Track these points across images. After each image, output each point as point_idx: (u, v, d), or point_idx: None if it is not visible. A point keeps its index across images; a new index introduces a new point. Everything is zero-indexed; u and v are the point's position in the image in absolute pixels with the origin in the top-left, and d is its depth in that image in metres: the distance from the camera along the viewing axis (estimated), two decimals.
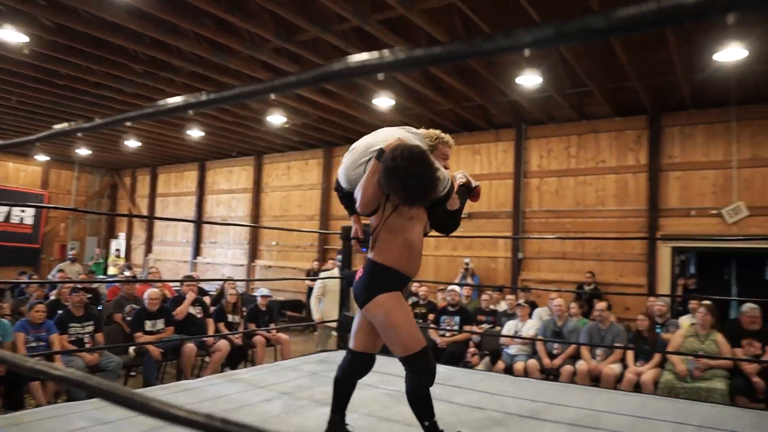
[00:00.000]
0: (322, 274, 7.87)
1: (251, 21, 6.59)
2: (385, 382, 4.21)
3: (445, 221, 3.19)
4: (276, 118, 10.46)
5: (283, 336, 7.25)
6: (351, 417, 3.34)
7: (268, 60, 7.66)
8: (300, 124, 11.17)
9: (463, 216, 10.73)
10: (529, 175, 10.28)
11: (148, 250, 17.07)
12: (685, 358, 5.52)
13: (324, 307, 7.15)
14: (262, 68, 8.07)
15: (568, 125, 9.93)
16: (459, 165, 11.12)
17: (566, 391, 4.26)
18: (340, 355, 5.20)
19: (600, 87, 8.25)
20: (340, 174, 2.94)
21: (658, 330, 6.43)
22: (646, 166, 9.24)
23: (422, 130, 3.02)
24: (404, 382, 2.76)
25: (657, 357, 5.87)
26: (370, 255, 2.82)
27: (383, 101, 9.03)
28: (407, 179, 2.44)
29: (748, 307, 5.75)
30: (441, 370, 4.80)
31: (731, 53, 6.56)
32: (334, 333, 6.35)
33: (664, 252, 9.07)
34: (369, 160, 2.73)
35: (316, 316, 7.19)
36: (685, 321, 6.61)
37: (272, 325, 7.54)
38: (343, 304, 5.50)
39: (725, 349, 5.55)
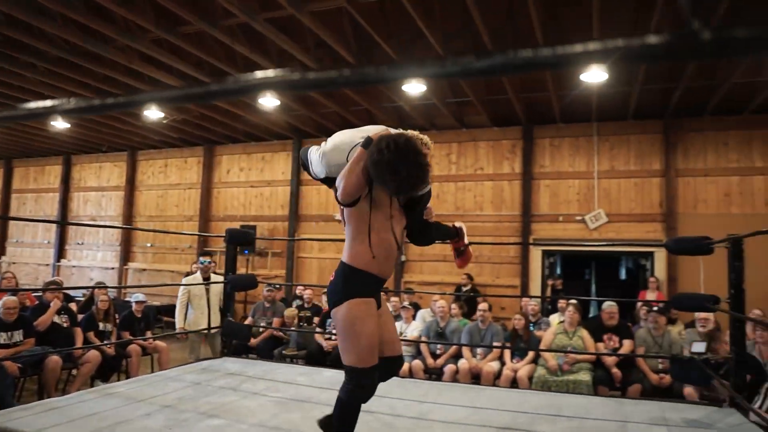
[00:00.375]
0: (184, 280, 7.34)
1: (127, 6, 6.16)
2: (271, 389, 4.12)
3: (419, 230, 3.08)
4: (153, 113, 9.89)
5: (160, 344, 6.85)
6: (239, 428, 3.23)
7: (147, 51, 7.22)
8: (179, 120, 10.64)
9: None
10: None
11: (1, 252, 15.41)
12: (555, 353, 5.95)
13: (191, 313, 6.71)
14: (140, 59, 7.60)
15: (449, 133, 10.34)
16: None
17: (451, 391, 4.42)
18: (225, 363, 5.05)
19: (479, 98, 8.68)
20: (317, 160, 2.76)
21: (531, 328, 6.87)
22: (520, 174, 9.86)
23: (400, 131, 2.91)
24: (339, 390, 2.65)
25: (531, 354, 6.26)
26: (343, 257, 2.66)
27: (269, 101, 8.85)
28: (397, 165, 2.33)
29: (608, 304, 6.31)
30: (329, 374, 4.82)
31: (594, 75, 7.16)
32: (217, 340, 6.10)
33: (536, 255, 9.71)
34: (353, 148, 2.58)
35: (179, 324, 6.66)
36: (554, 319, 7.11)
37: (149, 333, 7.11)
38: (227, 309, 5.29)
39: (590, 344, 6.06)
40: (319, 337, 7.24)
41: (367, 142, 2.50)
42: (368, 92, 8.85)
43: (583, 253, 11.19)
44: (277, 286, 8.58)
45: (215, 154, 12.66)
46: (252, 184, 12.23)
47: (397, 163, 2.34)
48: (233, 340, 5.36)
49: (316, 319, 7.91)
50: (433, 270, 10.23)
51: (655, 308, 6.30)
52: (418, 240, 3.24)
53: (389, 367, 2.79)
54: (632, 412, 3.86)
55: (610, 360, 5.96)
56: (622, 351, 6.04)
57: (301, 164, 3.03)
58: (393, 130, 2.64)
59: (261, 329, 7.64)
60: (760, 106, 8.38)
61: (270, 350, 7.46)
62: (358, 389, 2.60)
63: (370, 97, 9.02)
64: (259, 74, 0.74)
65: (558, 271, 14.11)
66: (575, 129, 9.65)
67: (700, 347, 5.25)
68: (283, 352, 7.42)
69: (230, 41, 6.82)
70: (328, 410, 3.73)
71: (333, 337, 7.19)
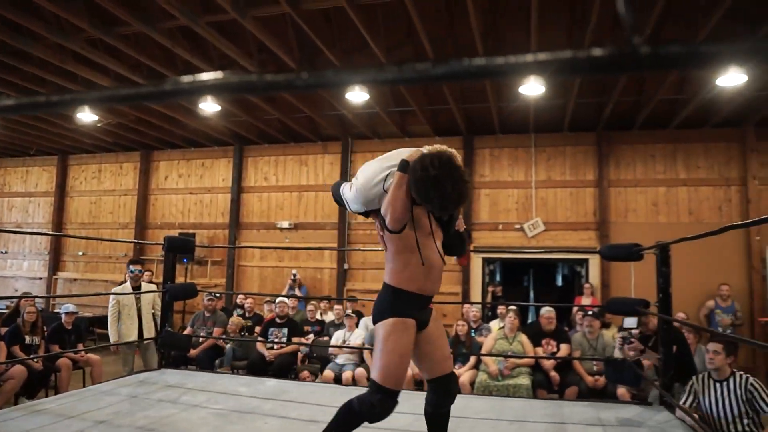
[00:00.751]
0: (114, 289, 6.91)
1: (59, 4, 5.91)
2: (212, 401, 4.03)
3: (453, 242, 2.99)
4: (86, 116, 9.51)
5: (93, 357, 6.56)
6: None
7: (80, 51, 6.94)
8: (114, 123, 10.28)
9: (289, 227, 10.72)
10: None
11: None
12: (496, 358, 6.08)
13: (122, 324, 6.35)
14: (74, 59, 7.30)
15: (392, 141, 10.42)
16: (285, 176, 11.09)
17: None
18: (163, 375, 4.88)
19: (421, 108, 8.81)
20: (353, 198, 2.74)
21: (473, 334, 6.99)
22: None
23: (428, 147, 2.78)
24: (353, 398, 2.65)
25: (473, 359, 6.37)
26: (385, 278, 2.65)
27: (209, 106, 8.68)
28: (444, 182, 2.31)
29: (546, 310, 6.50)
30: (271, 383, 4.75)
31: (532, 88, 7.41)
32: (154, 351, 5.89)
33: (477, 262, 9.90)
34: (387, 176, 2.56)
35: (113, 337, 6.27)
36: (495, 325, 7.26)
37: (80, 346, 6.79)
38: (165, 319, 5.13)
39: (529, 349, 6.22)
40: (261, 347, 7.12)
41: (404, 165, 2.48)
42: (311, 99, 8.83)
43: (521, 261, 11.49)
44: (218, 295, 8.40)
45: (153, 159, 12.29)
46: (191, 190, 11.94)
47: (443, 180, 2.32)
48: (172, 351, 5.21)
49: (257, 329, 7.78)
50: (375, 277, 10.26)
51: (590, 313, 6.53)
52: (452, 251, 3.18)
53: (444, 385, 2.81)
54: (570, 414, 4.00)
55: (548, 364, 6.13)
56: (559, 355, 6.23)
57: (335, 201, 3.05)
58: (425, 150, 2.59)
59: (201, 339, 7.45)
60: (683, 121, 8.88)
61: (211, 361, 7.28)
62: (370, 405, 2.58)
63: (313, 105, 9.00)
64: (205, 76, 0.72)
65: (498, 277, 14.43)
66: (514, 140, 9.93)
67: (631, 322, 5.47)
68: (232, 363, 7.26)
69: (170, 44, 6.66)
70: (273, 421, 3.70)
71: (275, 346, 7.10)
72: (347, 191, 2.83)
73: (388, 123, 9.54)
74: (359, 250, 10.33)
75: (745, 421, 3.89)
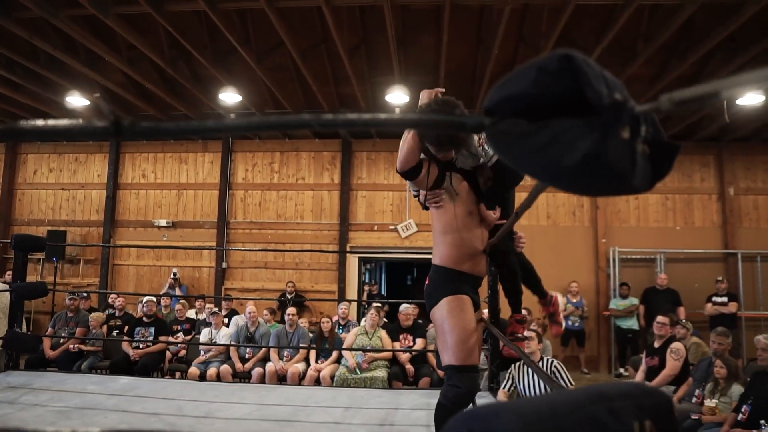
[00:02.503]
0: None
1: None
2: (55, 400, 4.05)
3: (499, 251, 2.91)
4: None
5: None
6: None
7: None
8: None
9: (167, 225, 10.53)
10: (235, 187, 10.63)
11: None
12: (355, 353, 6.43)
13: None
14: None
15: (272, 142, 10.59)
16: (164, 173, 10.92)
17: (242, 391, 4.64)
18: (7, 377, 4.76)
19: (298, 111, 9.03)
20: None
21: (340, 331, 7.32)
22: (338, 185, 10.39)
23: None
24: (438, 399, 2.56)
25: (335, 354, 6.69)
26: (433, 259, 2.63)
27: (77, 100, 8.41)
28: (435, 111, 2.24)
29: (404, 307, 6.95)
30: (124, 381, 4.80)
31: (397, 97, 7.85)
32: None
33: (353, 262, 10.27)
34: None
35: None
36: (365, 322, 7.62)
37: None
38: (14, 319, 5.02)
39: (387, 343, 6.63)
40: (126, 346, 7.05)
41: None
42: (186, 98, 8.79)
43: (404, 260, 12.02)
44: (84, 294, 8.17)
45: (19, 152, 11.61)
46: (63, 186, 11.41)
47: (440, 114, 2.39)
48: (19, 352, 5.10)
49: (126, 328, 7.66)
50: (253, 277, 10.36)
51: None
52: (494, 258, 3.12)
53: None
54: (404, 401, 4.40)
55: (404, 357, 6.58)
56: (415, 348, 6.69)
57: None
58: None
59: (62, 340, 7.23)
60: None
61: (71, 362, 7.08)
62: (453, 389, 2.47)
63: (189, 104, 8.96)
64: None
65: (382, 276, 14.95)
66: (389, 144, 10.40)
67: None
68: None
69: (28, 35, 6.44)
70: (112, 415, 3.79)
71: (141, 345, 7.06)
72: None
73: None
74: (238, 249, 10.38)
75: None
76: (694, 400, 4.87)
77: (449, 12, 5.91)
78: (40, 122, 0.74)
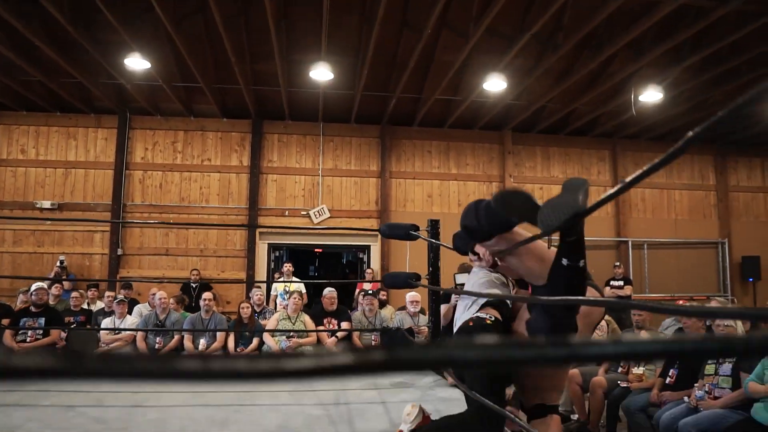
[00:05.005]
0: None
1: None
2: None
3: None
4: None
5: None
6: None
7: None
8: None
9: (51, 207, 9.60)
10: (133, 167, 9.77)
11: None
12: (278, 338, 6.10)
13: None
14: None
15: (176, 120, 9.86)
16: (49, 149, 9.81)
17: None
18: None
19: (209, 86, 8.44)
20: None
21: (256, 317, 6.92)
22: (248, 167, 9.88)
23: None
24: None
25: (256, 341, 6.31)
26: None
27: None
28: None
29: (328, 290, 6.72)
30: None
31: (322, 74, 7.56)
32: None
33: (262, 248, 9.83)
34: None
35: None
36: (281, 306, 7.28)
37: None
38: None
39: (311, 327, 6.36)
40: (8, 339, 6.19)
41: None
42: (83, 63, 7.87)
43: (309, 249, 11.70)
44: None
45: None
46: None
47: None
48: None
49: (5, 321, 6.75)
50: (153, 264, 9.59)
51: (370, 292, 6.91)
52: None
53: None
54: (350, 381, 4.19)
55: (330, 341, 6.34)
56: (340, 332, 6.48)
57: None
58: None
59: None
60: (455, 121, 9.85)
61: None
62: None
63: (85, 70, 8.04)
64: None
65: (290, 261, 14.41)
66: (303, 127, 10.06)
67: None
68: None
69: None
70: (18, 413, 3.24)
71: (29, 339, 6.23)
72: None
73: (172, 99, 8.97)
74: (135, 223, 9.55)
75: None
76: (619, 370, 5.09)
77: None
78: None
